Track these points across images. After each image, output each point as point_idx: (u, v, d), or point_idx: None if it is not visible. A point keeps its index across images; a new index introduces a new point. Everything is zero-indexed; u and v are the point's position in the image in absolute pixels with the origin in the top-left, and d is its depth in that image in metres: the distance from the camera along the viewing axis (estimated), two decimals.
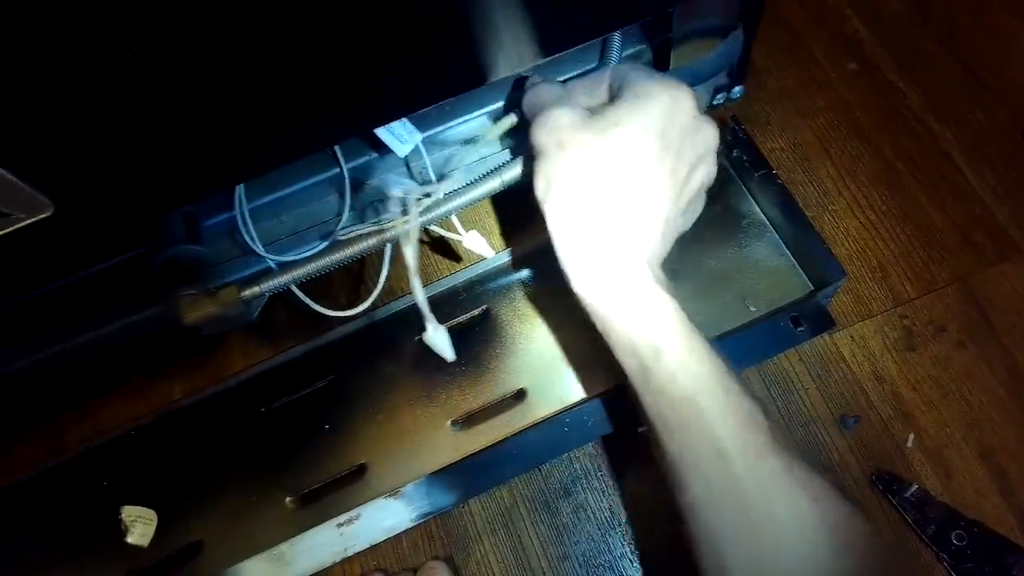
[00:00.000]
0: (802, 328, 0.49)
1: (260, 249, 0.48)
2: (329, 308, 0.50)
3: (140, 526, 0.53)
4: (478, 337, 0.55)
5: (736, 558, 0.33)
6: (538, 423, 0.50)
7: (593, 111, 0.36)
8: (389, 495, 0.48)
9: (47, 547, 0.54)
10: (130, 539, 0.53)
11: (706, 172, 0.38)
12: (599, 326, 0.36)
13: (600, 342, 0.37)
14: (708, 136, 0.37)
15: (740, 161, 0.55)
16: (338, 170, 0.48)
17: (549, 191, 0.36)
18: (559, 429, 0.49)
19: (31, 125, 0.26)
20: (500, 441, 0.50)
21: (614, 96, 0.37)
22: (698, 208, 0.41)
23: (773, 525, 0.32)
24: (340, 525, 0.48)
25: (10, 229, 0.31)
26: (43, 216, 0.31)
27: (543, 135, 0.36)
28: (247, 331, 0.59)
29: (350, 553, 0.47)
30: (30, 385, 0.58)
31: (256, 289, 0.45)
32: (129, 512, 0.53)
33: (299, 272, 0.46)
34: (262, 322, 0.59)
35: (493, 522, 0.52)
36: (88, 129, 0.28)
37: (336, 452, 0.53)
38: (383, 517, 0.48)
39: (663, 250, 0.37)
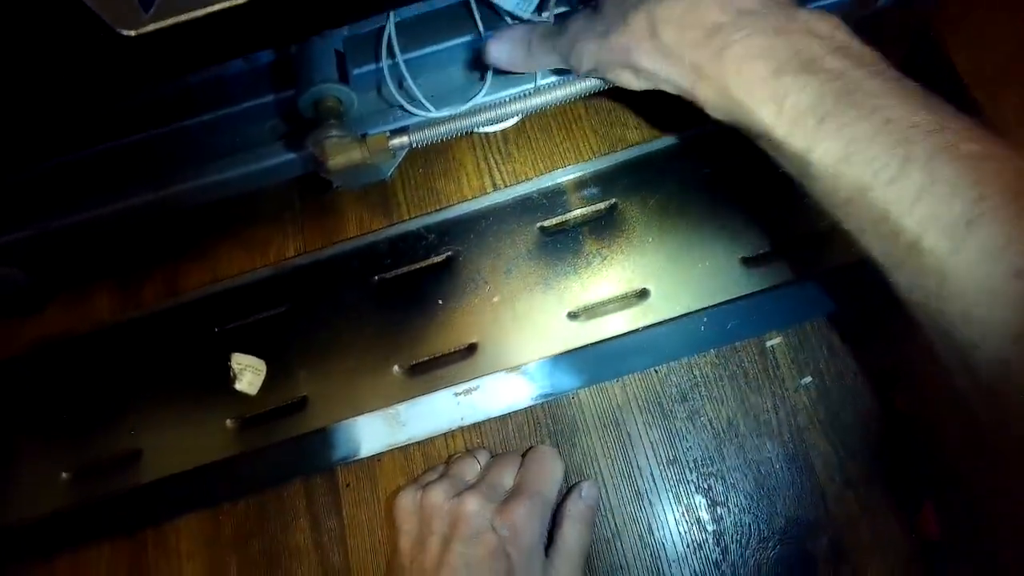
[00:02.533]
0: None
1: (415, 100, 0.46)
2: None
3: (249, 375, 0.53)
4: (603, 232, 0.53)
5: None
6: (671, 320, 0.48)
7: None
8: (510, 370, 0.47)
9: (159, 384, 0.55)
10: (238, 386, 0.53)
11: None
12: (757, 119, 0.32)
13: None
14: None
15: (920, 76, 0.51)
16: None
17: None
18: (694, 328, 0.47)
19: None
20: (624, 334, 0.49)
21: None
22: None
23: None
24: (458, 394, 0.47)
25: (207, 11, 0.29)
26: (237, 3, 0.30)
27: None
28: (364, 203, 0.58)
29: (466, 423, 0.46)
30: (158, 223, 0.58)
31: (405, 139, 0.44)
32: (239, 360, 0.54)
33: (447, 127, 0.44)
34: (379, 196, 0.58)
35: (604, 417, 0.50)
36: None
37: (447, 328, 0.52)
38: (503, 391, 0.47)
39: None
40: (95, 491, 0.53)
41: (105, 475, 0.54)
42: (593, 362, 0.47)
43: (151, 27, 0.28)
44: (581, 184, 0.55)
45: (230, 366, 0.53)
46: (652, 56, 0.35)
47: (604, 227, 0.53)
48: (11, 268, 0.58)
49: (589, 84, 0.42)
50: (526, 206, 0.55)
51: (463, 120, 0.44)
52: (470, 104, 0.47)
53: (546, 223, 0.54)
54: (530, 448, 0.48)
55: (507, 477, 0.45)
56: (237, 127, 0.50)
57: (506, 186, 0.56)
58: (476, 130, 0.51)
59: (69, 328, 0.58)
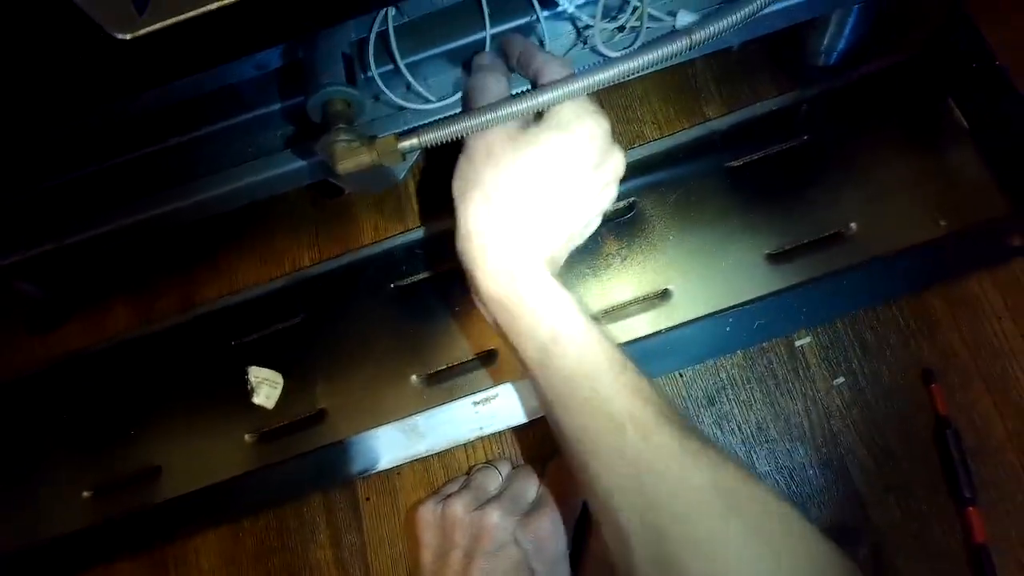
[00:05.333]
0: (1016, 245, 0.44)
1: (423, 100, 0.45)
2: None
3: (266, 388, 0.53)
4: (623, 231, 0.52)
5: (637, 533, 0.32)
6: (695, 320, 0.47)
7: (524, 126, 0.39)
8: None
9: (177, 400, 0.54)
10: (255, 400, 0.52)
11: (610, 196, 0.40)
12: (501, 321, 0.37)
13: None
14: (617, 163, 0.39)
15: (951, 51, 0.49)
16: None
17: (467, 191, 0.39)
18: (719, 328, 0.45)
19: None
20: (645, 336, 0.47)
21: (543, 113, 0.39)
22: (594, 226, 0.42)
23: (669, 496, 0.32)
24: (476, 403, 0.46)
25: (202, 10, 0.28)
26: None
27: (475, 139, 0.39)
28: (379, 209, 0.57)
29: (486, 432, 0.45)
30: (172, 236, 0.58)
31: (414, 140, 0.43)
32: (255, 373, 0.53)
33: (457, 127, 0.43)
34: (394, 202, 0.57)
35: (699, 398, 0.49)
36: None
37: (465, 335, 0.51)
38: (522, 399, 0.45)
39: (561, 259, 0.40)
40: (116, 508, 0.53)
41: (125, 492, 0.53)
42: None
43: (146, 29, 0.28)
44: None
45: (247, 379, 0.53)
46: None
47: (624, 226, 0.52)
48: (28, 283, 0.58)
49: (610, 75, 0.40)
50: None
51: (472, 119, 0.42)
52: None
53: None
54: (554, 458, 0.46)
55: (530, 488, 0.44)
56: (248, 136, 0.49)
57: None
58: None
59: (87, 344, 0.58)
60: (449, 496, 0.44)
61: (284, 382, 0.53)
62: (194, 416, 0.54)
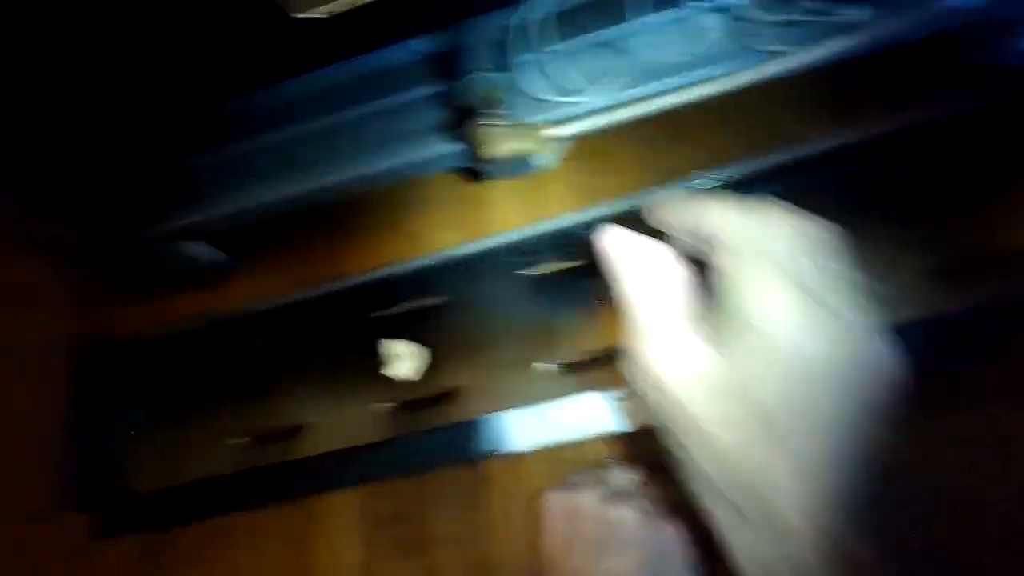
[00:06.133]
0: None
1: (574, 90, 0.44)
2: None
3: (404, 362, 0.54)
4: None
5: None
6: None
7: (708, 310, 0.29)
8: None
9: (321, 364, 0.57)
10: (392, 372, 0.54)
11: None
12: None
13: None
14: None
15: None
16: None
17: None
18: None
19: None
20: None
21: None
22: None
23: None
24: (615, 399, 0.45)
25: None
26: None
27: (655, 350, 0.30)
28: (522, 197, 0.57)
29: (619, 428, 0.44)
30: (326, 210, 0.61)
31: (563, 130, 0.42)
32: (394, 347, 0.55)
33: (608, 117, 0.41)
34: (541, 190, 0.57)
35: None
36: None
37: (608, 328, 0.50)
38: None
39: None
40: (263, 459, 0.57)
41: (270, 445, 0.57)
42: None
43: (323, 9, 0.28)
44: (763, 175, 0.50)
45: (385, 352, 0.55)
46: None
47: None
48: (203, 244, 0.63)
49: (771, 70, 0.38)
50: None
51: (623, 110, 0.41)
52: (630, 93, 0.44)
53: None
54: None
55: (667, 490, 0.42)
56: (398, 118, 0.50)
57: (675, 180, 0.52)
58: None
59: (244, 304, 0.62)
60: (579, 487, 0.43)
61: (422, 358, 0.55)
62: (335, 381, 0.57)
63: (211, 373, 0.62)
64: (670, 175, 0.52)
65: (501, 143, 0.42)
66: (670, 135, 0.53)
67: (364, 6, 0.29)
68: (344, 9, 0.28)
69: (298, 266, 0.62)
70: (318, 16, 0.28)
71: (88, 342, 0.61)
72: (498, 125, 0.42)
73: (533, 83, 0.48)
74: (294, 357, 0.59)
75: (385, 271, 0.58)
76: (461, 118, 0.43)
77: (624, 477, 0.44)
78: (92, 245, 0.55)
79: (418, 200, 0.59)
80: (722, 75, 0.40)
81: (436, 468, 0.52)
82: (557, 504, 0.44)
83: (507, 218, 0.56)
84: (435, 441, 0.52)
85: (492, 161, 0.43)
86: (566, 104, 0.45)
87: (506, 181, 0.57)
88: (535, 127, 0.42)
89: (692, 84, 0.40)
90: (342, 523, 0.54)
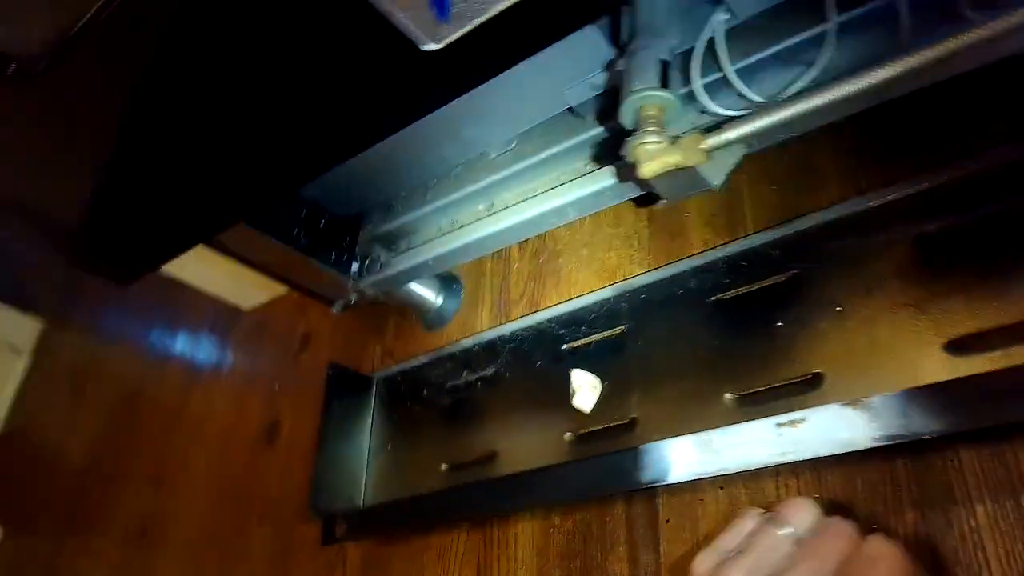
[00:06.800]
0: None
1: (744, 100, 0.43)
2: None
3: (586, 392, 0.55)
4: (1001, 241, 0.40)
5: None
6: None
7: None
8: (847, 404, 0.38)
9: (514, 394, 0.60)
10: (575, 402, 0.55)
11: None
12: None
13: None
14: None
15: None
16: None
17: None
18: None
19: None
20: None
21: None
22: None
23: None
24: (780, 425, 0.40)
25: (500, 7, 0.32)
26: None
27: None
28: (711, 224, 0.55)
29: (787, 460, 0.39)
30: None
31: (722, 138, 0.41)
32: (579, 377, 0.56)
33: (775, 118, 0.39)
34: (726, 214, 0.54)
35: (995, 487, 0.37)
36: None
37: (787, 354, 0.46)
38: (835, 427, 0.38)
39: None
40: (462, 480, 0.60)
41: (469, 469, 0.60)
42: (971, 403, 0.35)
43: (451, 37, 0.32)
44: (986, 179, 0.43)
45: (570, 382, 0.56)
46: None
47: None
48: (428, 291, 0.71)
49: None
50: (899, 211, 0.45)
51: (787, 110, 0.38)
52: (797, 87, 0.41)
53: (929, 230, 0.44)
54: (873, 530, 0.38)
55: (828, 561, 0.35)
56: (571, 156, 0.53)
57: (876, 189, 0.47)
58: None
59: (460, 338, 0.68)
60: (726, 560, 0.39)
61: (602, 387, 0.54)
62: (526, 410, 0.59)
63: (432, 403, 0.68)
64: (886, 178, 0.46)
65: (656, 159, 0.42)
66: (875, 142, 0.48)
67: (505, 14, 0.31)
68: (470, 29, 0.31)
69: (504, 305, 0.66)
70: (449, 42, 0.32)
71: (337, 377, 0.71)
72: (655, 141, 0.42)
73: (711, 103, 0.47)
74: (495, 387, 0.62)
75: (576, 303, 0.60)
76: (621, 141, 0.44)
77: (778, 545, 0.38)
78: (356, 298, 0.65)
79: (607, 234, 0.61)
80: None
81: (610, 500, 0.51)
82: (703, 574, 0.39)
83: (695, 245, 0.55)
84: (600, 466, 0.50)
85: (652, 179, 0.43)
86: (732, 116, 0.44)
87: (702, 211, 0.56)
88: (694, 139, 0.42)
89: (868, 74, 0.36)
90: (520, 554, 0.55)
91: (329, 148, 0.42)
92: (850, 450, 0.37)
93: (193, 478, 0.94)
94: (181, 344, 1.13)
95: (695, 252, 0.54)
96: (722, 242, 0.53)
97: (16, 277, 1.75)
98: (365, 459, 0.70)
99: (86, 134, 0.46)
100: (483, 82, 0.37)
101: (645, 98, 0.43)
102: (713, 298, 0.51)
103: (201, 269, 0.98)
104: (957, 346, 0.39)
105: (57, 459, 1.23)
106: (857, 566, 0.34)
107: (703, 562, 0.40)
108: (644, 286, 0.55)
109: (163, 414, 1.06)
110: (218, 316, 1.06)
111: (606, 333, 0.56)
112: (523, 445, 0.57)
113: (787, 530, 0.38)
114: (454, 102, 0.40)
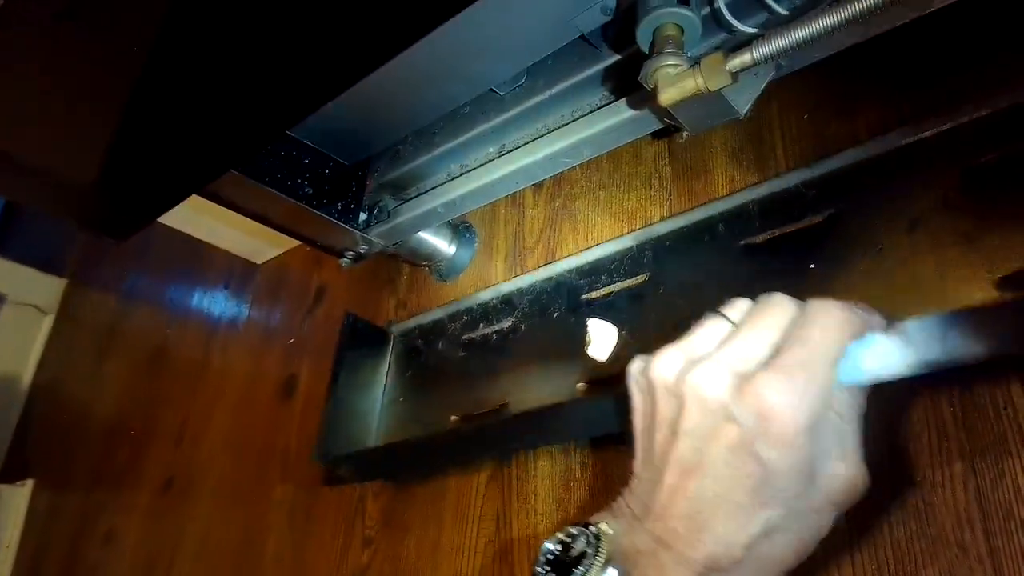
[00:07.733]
0: None
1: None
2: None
3: (601, 341, 0.52)
4: None
5: None
6: None
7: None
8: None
9: (530, 344, 0.58)
10: (590, 351, 0.52)
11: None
12: None
13: None
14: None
15: None
16: None
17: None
18: None
19: None
20: None
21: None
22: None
23: None
24: None
25: None
26: None
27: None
28: (737, 160, 0.51)
29: None
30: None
31: (748, 57, 0.37)
32: (595, 326, 0.53)
33: (806, 31, 0.35)
34: (753, 150, 0.50)
35: None
36: None
37: (822, 295, 0.42)
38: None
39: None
40: (473, 427, 0.59)
41: (480, 419, 0.58)
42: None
43: None
44: None
45: (587, 331, 0.53)
46: None
47: None
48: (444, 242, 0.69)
49: None
50: (948, 141, 0.41)
51: (819, 21, 0.34)
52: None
53: (980, 161, 0.39)
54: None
55: (765, 338, 0.30)
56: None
57: (918, 117, 0.42)
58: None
59: (472, 291, 0.65)
60: (660, 350, 0.32)
61: (619, 338, 0.52)
62: (541, 361, 0.56)
63: (446, 356, 0.66)
64: (931, 108, 0.42)
65: (676, 85, 0.38)
66: (918, 64, 0.44)
67: None
68: None
69: (519, 254, 0.63)
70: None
71: (352, 327, 0.69)
72: (675, 64, 0.38)
73: (717, 18, 0.42)
74: (512, 340, 0.60)
75: (595, 251, 0.57)
76: (639, 69, 0.40)
77: (718, 330, 0.32)
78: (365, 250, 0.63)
79: (627, 175, 0.57)
80: None
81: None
82: (636, 375, 0.33)
83: (721, 185, 0.51)
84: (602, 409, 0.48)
85: (672, 109, 0.39)
86: (753, 34, 0.40)
87: (727, 144, 0.52)
88: (717, 59, 0.37)
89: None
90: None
91: (316, 82, 0.39)
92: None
93: (216, 432, 0.94)
94: (200, 301, 1.13)
95: (720, 191, 0.50)
96: (750, 180, 0.49)
97: (39, 239, 1.76)
98: (377, 411, 0.68)
99: (103, 93, 0.43)
100: None
101: (664, 15, 0.39)
102: (742, 242, 0.48)
103: (217, 226, 0.97)
104: (1011, 281, 0.36)
105: (84, 415, 1.25)
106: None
107: (636, 364, 0.34)
108: (668, 232, 0.52)
109: (185, 370, 1.06)
110: (234, 271, 1.05)
111: (628, 282, 0.53)
112: (534, 394, 0.55)
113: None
114: (457, 34, 0.36)
